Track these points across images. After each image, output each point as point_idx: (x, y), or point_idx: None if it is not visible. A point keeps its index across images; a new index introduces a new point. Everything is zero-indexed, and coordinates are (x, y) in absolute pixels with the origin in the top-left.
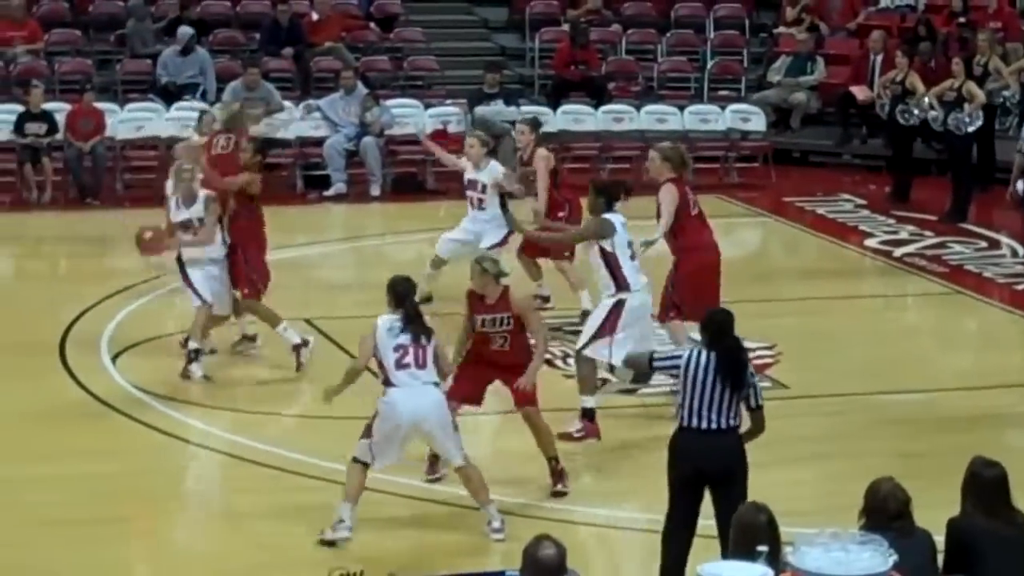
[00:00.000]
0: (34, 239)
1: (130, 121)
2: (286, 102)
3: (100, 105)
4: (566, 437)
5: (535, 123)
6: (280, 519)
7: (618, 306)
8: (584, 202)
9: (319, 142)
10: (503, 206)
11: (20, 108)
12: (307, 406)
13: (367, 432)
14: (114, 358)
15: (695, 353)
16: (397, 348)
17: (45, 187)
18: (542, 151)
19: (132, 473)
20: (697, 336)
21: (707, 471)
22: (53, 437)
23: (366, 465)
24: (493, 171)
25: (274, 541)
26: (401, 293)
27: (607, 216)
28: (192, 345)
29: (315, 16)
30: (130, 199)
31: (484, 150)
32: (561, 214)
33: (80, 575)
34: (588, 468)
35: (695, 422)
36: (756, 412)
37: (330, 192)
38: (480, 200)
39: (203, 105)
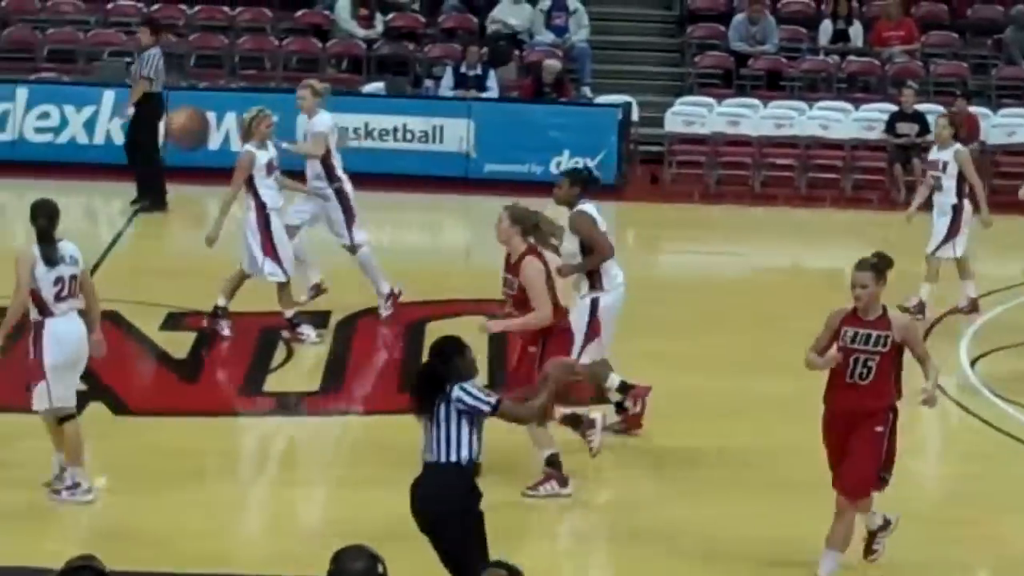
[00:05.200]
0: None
1: (1003, 127)
2: None
3: (973, 109)
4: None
5: None
6: None
7: (595, 305)
8: None
9: None
10: None
11: (893, 107)
12: None
13: None
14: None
15: None
16: None
17: (914, 188)
18: None
19: (976, 477)
20: None
21: None
22: None
23: None
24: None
25: None
26: None
27: (584, 207)
28: None
29: None
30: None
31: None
32: None
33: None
34: None
35: None
36: None
37: None
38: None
39: None
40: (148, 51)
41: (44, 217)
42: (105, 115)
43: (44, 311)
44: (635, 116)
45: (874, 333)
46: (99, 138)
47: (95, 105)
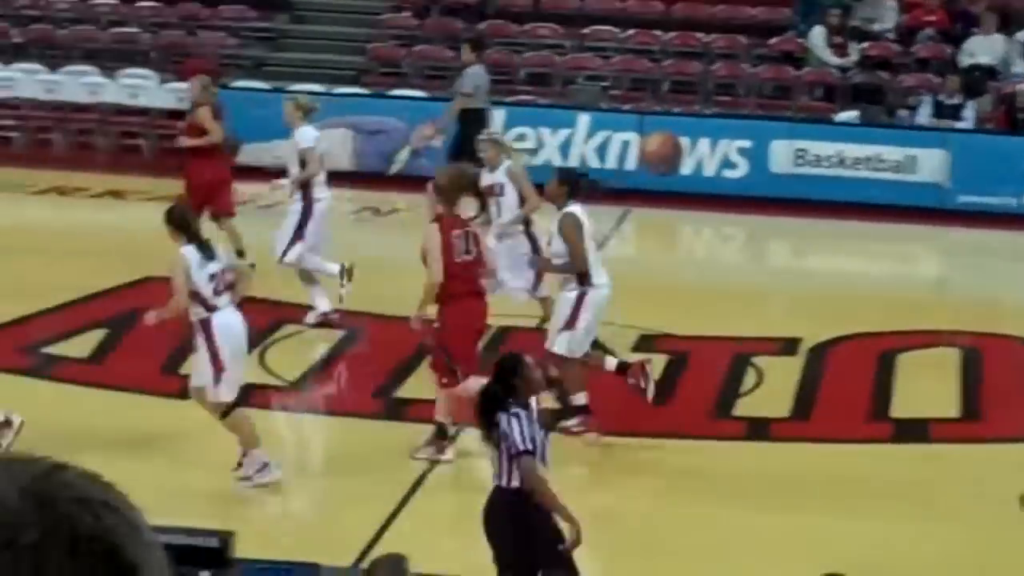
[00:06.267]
0: None
1: None
2: None
3: None
4: (566, 431)
5: None
6: None
7: (581, 299)
8: None
9: None
10: None
11: None
12: None
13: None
14: None
15: None
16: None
17: None
18: None
19: None
20: None
21: None
22: None
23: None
24: None
25: None
26: None
27: (571, 209)
28: None
29: None
30: None
31: None
32: None
33: None
34: None
35: None
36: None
37: None
38: None
39: None
40: (469, 68)
41: (192, 218)
42: (580, 138)
43: (208, 307)
44: None
45: None
46: (574, 161)
47: (570, 128)
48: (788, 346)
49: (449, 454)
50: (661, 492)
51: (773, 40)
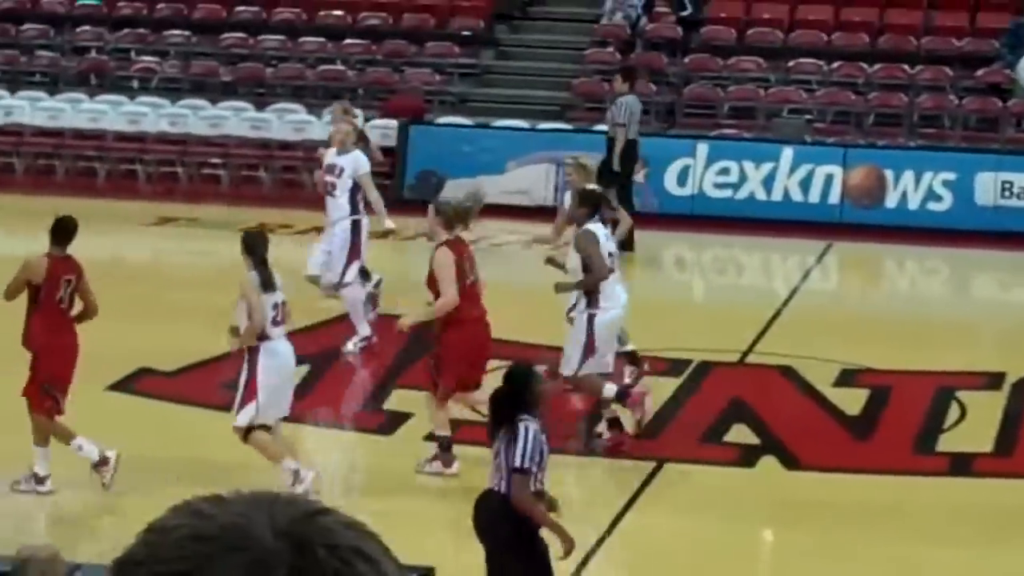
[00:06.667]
0: None
1: None
2: None
3: None
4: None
5: None
6: None
7: (591, 322)
8: None
9: None
10: None
11: None
12: None
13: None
14: None
15: None
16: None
17: None
18: None
19: None
20: None
21: None
22: None
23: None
24: None
25: None
26: None
27: (590, 227)
28: None
29: None
30: None
31: None
32: None
33: None
34: None
35: None
36: None
37: None
38: None
39: None
40: (621, 98)
41: (263, 246)
42: (784, 172)
43: (261, 336)
44: None
45: None
46: (777, 195)
47: (774, 162)
48: (992, 380)
49: (455, 467)
50: (861, 528)
51: (980, 72)
